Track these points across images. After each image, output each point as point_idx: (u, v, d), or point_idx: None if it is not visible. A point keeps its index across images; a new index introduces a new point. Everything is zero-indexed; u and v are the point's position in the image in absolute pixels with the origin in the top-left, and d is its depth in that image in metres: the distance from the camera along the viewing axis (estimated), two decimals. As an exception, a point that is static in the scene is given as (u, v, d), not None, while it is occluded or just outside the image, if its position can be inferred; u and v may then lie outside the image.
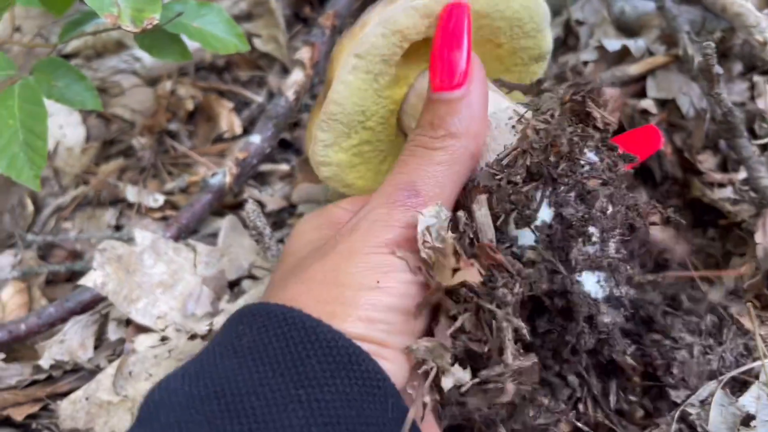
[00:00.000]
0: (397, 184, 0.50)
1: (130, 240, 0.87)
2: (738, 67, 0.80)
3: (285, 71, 1.08)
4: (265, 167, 0.92)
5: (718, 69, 0.61)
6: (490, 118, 0.54)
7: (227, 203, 0.89)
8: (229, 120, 0.98)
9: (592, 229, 0.49)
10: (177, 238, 0.82)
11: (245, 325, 0.45)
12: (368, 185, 0.66)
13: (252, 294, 0.73)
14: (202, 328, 0.68)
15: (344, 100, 0.58)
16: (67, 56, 1.16)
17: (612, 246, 0.50)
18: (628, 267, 0.51)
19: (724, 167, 0.76)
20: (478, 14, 0.57)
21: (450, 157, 0.50)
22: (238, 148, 0.94)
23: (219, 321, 0.69)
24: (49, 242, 0.93)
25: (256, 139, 0.87)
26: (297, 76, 0.91)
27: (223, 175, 0.84)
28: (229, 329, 0.46)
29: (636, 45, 0.82)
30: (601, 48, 0.85)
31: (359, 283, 0.46)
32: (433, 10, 0.54)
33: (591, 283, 0.49)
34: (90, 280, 0.72)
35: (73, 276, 0.90)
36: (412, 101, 0.60)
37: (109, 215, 0.95)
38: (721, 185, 0.73)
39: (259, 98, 1.03)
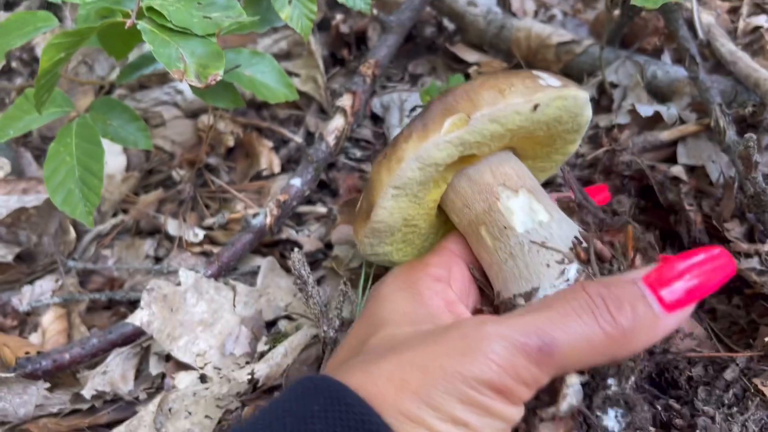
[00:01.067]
0: (535, 332, 0.47)
1: (170, 273, 0.90)
2: (767, 139, 0.83)
3: (322, 111, 1.11)
4: (303, 208, 0.95)
5: (757, 158, 0.64)
6: (522, 238, 0.57)
7: (265, 241, 0.92)
8: (269, 159, 1.02)
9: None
10: (218, 275, 0.85)
11: (320, 406, 0.45)
12: (412, 256, 0.69)
13: (292, 342, 0.75)
14: (243, 375, 0.71)
15: (386, 219, 0.60)
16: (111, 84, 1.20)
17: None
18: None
19: (750, 236, 0.78)
20: (520, 128, 0.59)
21: (606, 343, 0.48)
22: (279, 188, 0.98)
23: (259, 369, 0.72)
24: (89, 269, 0.96)
25: (296, 182, 0.90)
26: (338, 122, 0.94)
27: (264, 216, 0.87)
28: (302, 401, 0.46)
29: (668, 112, 0.85)
30: (634, 112, 0.88)
31: (449, 415, 0.45)
32: (466, 140, 0.56)
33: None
34: (137, 319, 0.75)
35: (112, 303, 0.93)
36: (451, 197, 0.62)
37: (148, 245, 0.98)
38: (748, 255, 0.76)
39: (296, 137, 1.06)
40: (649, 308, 0.49)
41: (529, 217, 0.59)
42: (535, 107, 0.55)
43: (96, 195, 0.77)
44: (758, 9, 1.03)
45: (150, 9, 0.69)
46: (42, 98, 0.75)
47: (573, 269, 0.56)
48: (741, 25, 1.00)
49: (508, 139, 0.59)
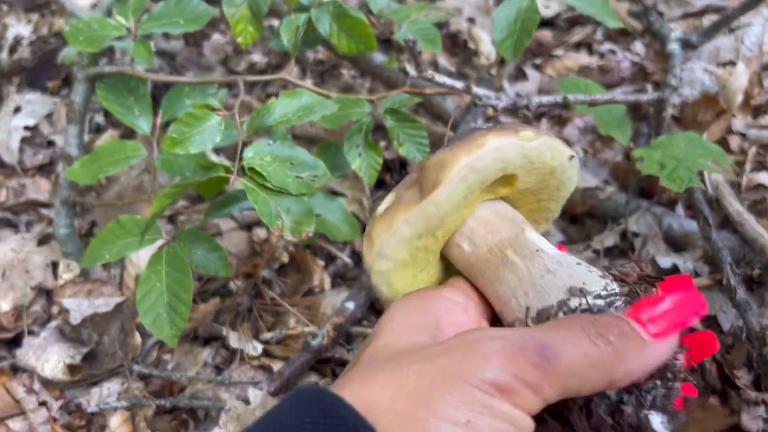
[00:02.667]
0: (535, 338, 0.48)
1: (231, 385, 0.99)
2: (771, 295, 0.95)
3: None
4: (354, 329, 1.04)
5: None
6: (558, 257, 0.60)
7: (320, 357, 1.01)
8: (320, 277, 1.12)
9: None
10: (279, 391, 0.94)
11: (313, 418, 0.44)
12: (403, 290, 0.66)
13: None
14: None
15: (443, 204, 0.60)
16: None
17: None
18: None
19: (757, 385, 0.89)
20: (528, 191, 0.67)
21: (602, 359, 0.49)
22: (329, 305, 1.08)
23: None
24: (153, 374, 1.04)
25: (350, 305, 1.00)
26: (388, 251, 1.05)
27: (322, 338, 0.97)
28: (294, 413, 0.45)
29: (685, 265, 0.97)
30: (653, 261, 1.00)
31: (448, 414, 0.44)
32: (532, 158, 0.61)
33: None
34: (217, 437, 0.83)
35: (174, 408, 1.01)
36: (471, 224, 0.64)
37: (207, 353, 1.07)
38: (756, 403, 0.86)
39: (344, 255, 1.17)
40: (636, 333, 0.51)
41: (552, 248, 0.63)
42: (570, 157, 0.65)
43: (183, 320, 0.87)
44: (760, 166, 1.16)
45: (251, 169, 0.81)
46: (145, 233, 0.86)
47: (613, 283, 0.59)
48: (744, 180, 1.13)
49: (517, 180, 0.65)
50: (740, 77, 1.28)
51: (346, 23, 0.96)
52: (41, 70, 1.68)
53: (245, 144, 0.85)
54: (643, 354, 0.50)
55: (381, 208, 0.63)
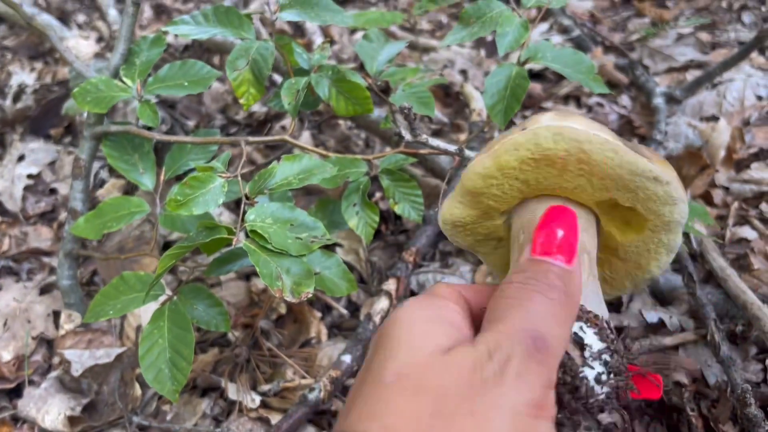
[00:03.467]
0: (526, 330, 0.47)
1: (229, 437, 1.00)
2: (753, 349, 0.98)
3: (362, 281, 1.25)
4: (350, 381, 1.07)
5: (754, 412, 0.78)
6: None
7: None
8: (317, 328, 1.14)
9: None
10: (276, 445, 0.96)
11: None
12: (469, 217, 0.69)
13: None
14: None
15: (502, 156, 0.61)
16: (172, 241, 1.34)
17: None
18: None
19: (742, 437, 0.92)
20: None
21: (562, 310, 0.51)
22: (325, 356, 1.10)
23: None
24: (153, 426, 1.06)
25: (347, 358, 1.03)
26: (383, 304, 1.08)
27: (318, 391, 0.99)
28: None
29: (671, 320, 1.01)
30: (640, 315, 1.03)
31: None
32: (571, 150, 0.59)
33: None
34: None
35: (172, 461, 1.02)
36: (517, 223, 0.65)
37: (205, 404, 1.08)
38: (741, 457, 0.89)
39: (340, 306, 1.20)
40: (563, 269, 0.54)
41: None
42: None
43: (184, 376, 0.89)
44: (743, 220, 1.20)
45: (253, 231, 0.84)
46: (150, 291, 0.89)
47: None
48: (728, 234, 1.17)
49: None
50: (722, 133, 1.33)
51: (344, 87, 1.01)
52: (45, 118, 1.72)
53: (247, 204, 0.88)
54: (575, 280, 0.54)
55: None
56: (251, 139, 1.00)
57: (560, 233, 0.57)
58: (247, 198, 0.89)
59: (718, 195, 1.26)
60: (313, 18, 1.06)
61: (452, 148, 0.94)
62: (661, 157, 0.62)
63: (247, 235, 0.85)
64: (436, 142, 0.94)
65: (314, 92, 1.02)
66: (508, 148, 0.61)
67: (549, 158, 0.60)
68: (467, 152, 0.94)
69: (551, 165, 0.60)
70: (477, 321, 0.55)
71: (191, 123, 1.68)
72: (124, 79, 1.06)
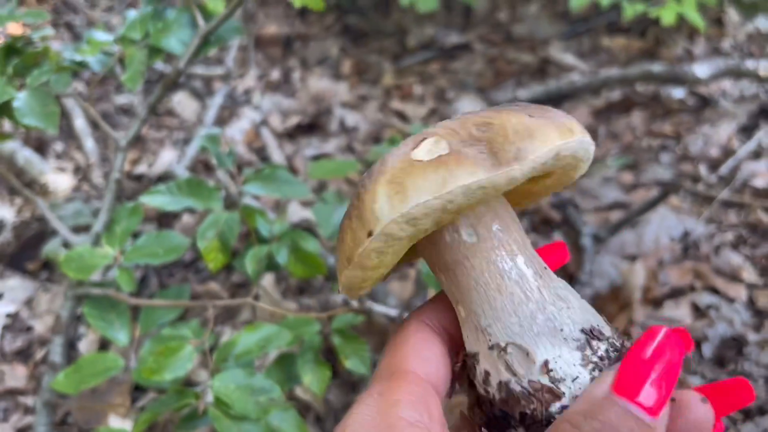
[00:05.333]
0: None
1: None
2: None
3: (318, 419, 1.37)
4: None
5: None
6: (553, 310, 0.51)
7: None
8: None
9: None
10: None
11: None
12: (374, 276, 0.55)
13: None
14: None
15: (519, 179, 0.49)
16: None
17: None
18: None
19: None
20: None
21: None
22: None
23: None
24: None
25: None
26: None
27: None
28: None
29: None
30: None
31: None
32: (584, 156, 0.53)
33: None
34: None
35: None
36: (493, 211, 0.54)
37: None
38: None
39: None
40: (642, 423, 0.44)
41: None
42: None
43: None
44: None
45: (218, 399, 0.96)
46: None
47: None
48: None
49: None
50: (639, 273, 1.50)
51: (300, 255, 1.15)
52: (23, 253, 1.84)
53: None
54: None
55: (420, 153, 0.49)
56: (218, 302, 1.13)
57: (658, 368, 0.45)
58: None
59: (636, 332, 1.42)
60: (273, 191, 1.22)
61: (393, 312, 1.09)
62: (536, 118, 0.50)
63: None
64: (378, 307, 1.08)
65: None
66: (370, 256, 0.50)
67: (419, 231, 0.49)
68: (405, 316, 1.08)
69: (425, 230, 0.50)
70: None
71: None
72: (106, 245, 1.20)
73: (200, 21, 1.16)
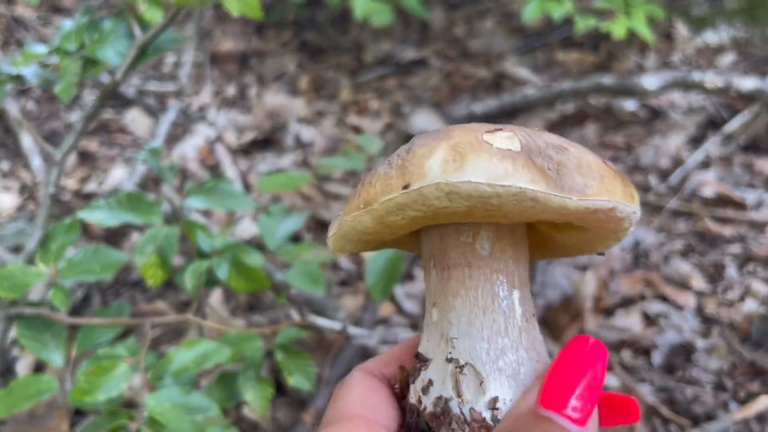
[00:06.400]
0: None
1: None
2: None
3: (267, 437, 1.33)
4: None
5: None
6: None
7: None
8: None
9: None
10: None
11: None
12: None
13: None
14: None
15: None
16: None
17: None
18: None
19: None
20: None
21: None
22: None
23: None
24: None
25: None
26: (283, 466, 1.16)
27: None
28: None
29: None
30: None
31: None
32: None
33: None
34: None
35: None
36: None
37: None
38: None
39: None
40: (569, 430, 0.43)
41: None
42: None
43: None
44: (608, 366, 1.35)
45: (152, 419, 0.92)
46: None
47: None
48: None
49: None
50: (590, 283, 1.51)
51: (241, 269, 1.13)
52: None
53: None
54: None
55: (493, 139, 0.47)
56: (156, 320, 1.10)
57: (583, 382, 0.45)
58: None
59: (587, 342, 1.41)
60: (217, 205, 1.19)
61: (337, 325, 1.06)
62: (610, 166, 0.50)
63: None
64: (322, 322, 1.06)
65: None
66: (391, 209, 0.48)
67: (447, 210, 0.47)
68: (350, 329, 1.06)
69: (452, 213, 0.48)
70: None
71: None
72: (40, 263, 1.15)
73: (137, 32, 1.13)
